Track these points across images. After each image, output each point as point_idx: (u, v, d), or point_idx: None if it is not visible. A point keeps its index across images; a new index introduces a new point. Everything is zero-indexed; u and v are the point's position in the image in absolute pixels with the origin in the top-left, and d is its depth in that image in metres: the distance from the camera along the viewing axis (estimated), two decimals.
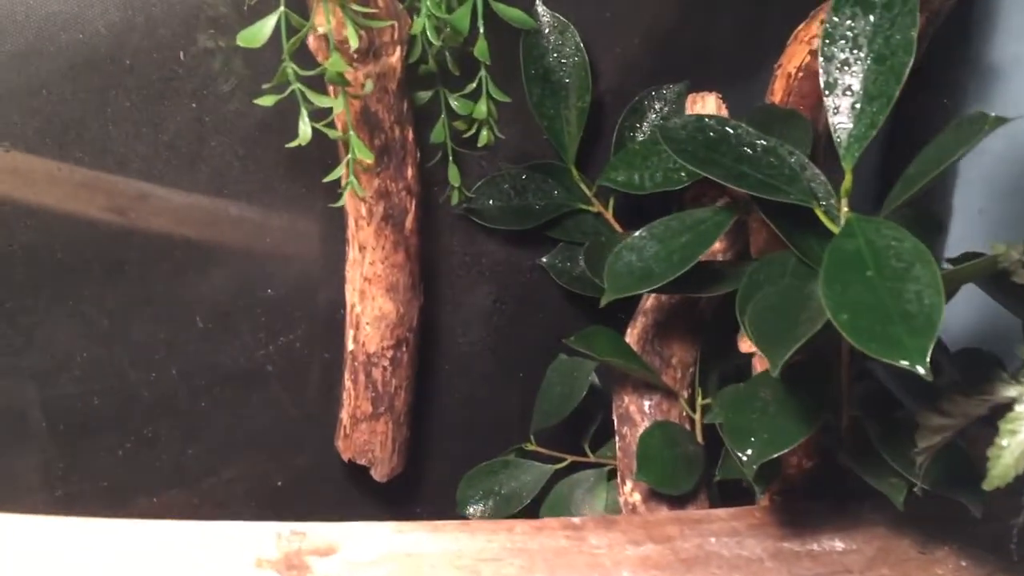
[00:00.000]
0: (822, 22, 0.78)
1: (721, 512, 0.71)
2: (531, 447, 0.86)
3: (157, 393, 0.76)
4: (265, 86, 0.61)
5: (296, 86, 0.60)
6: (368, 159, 0.61)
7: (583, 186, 0.83)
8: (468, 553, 0.56)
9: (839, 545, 0.71)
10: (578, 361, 0.83)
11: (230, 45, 0.69)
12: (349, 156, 0.61)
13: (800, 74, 0.77)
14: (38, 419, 0.72)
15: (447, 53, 0.71)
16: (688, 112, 0.80)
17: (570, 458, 0.86)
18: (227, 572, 0.50)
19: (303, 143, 0.61)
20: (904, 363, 0.46)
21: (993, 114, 0.52)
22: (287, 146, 0.62)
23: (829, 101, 0.58)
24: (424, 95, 0.73)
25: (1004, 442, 0.49)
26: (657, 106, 0.83)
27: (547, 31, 0.79)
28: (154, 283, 0.73)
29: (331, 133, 0.62)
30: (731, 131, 0.63)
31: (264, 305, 0.77)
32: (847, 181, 0.58)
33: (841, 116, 0.57)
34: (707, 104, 0.79)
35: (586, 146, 0.83)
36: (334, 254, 0.77)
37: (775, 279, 0.64)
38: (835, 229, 0.60)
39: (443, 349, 0.86)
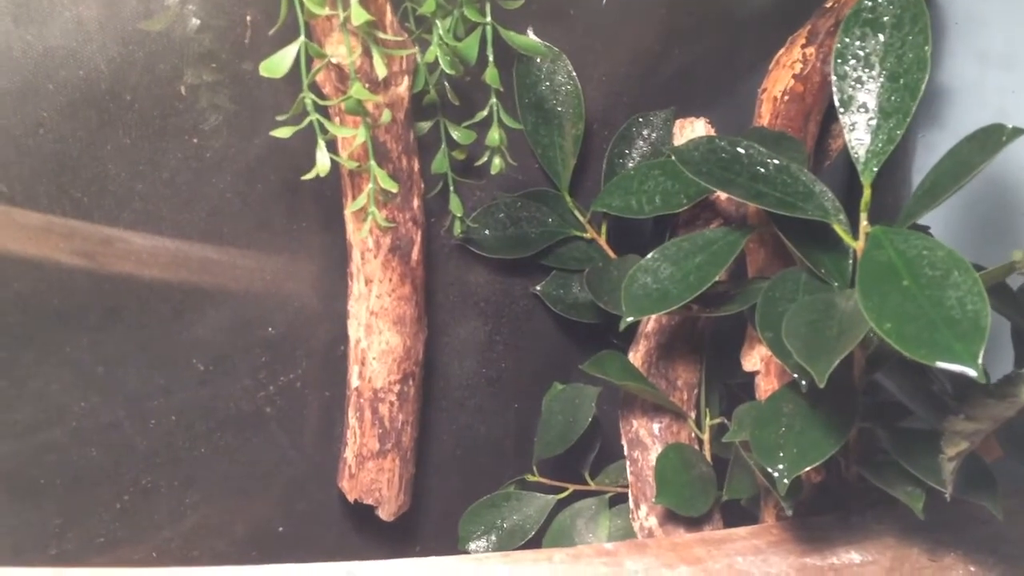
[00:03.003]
0: (802, 47, 0.81)
1: (741, 531, 0.72)
2: (533, 478, 0.85)
3: (155, 441, 0.72)
4: (280, 117, 0.60)
5: (314, 117, 0.59)
6: (393, 188, 0.60)
7: (577, 213, 0.84)
8: None
9: (856, 558, 0.72)
10: (579, 388, 0.83)
11: (227, 80, 0.67)
12: (371, 186, 0.60)
13: (786, 97, 0.80)
14: (32, 473, 0.68)
15: (447, 83, 0.71)
16: (677, 137, 0.81)
17: (571, 487, 0.85)
18: None
19: (321, 174, 0.60)
20: (956, 367, 0.47)
21: (1011, 125, 0.54)
22: (304, 178, 0.61)
23: (845, 118, 0.59)
24: (424, 125, 0.73)
25: None
26: (645, 132, 0.85)
27: (539, 60, 0.79)
28: (152, 327, 0.70)
29: (348, 164, 0.61)
30: (742, 151, 0.64)
31: (264, 345, 0.75)
32: (866, 195, 0.60)
33: (858, 132, 0.59)
34: (696, 128, 0.80)
35: (576, 173, 0.83)
36: (334, 290, 0.76)
37: (791, 295, 0.65)
38: (852, 243, 0.62)
39: (440, 381, 0.84)
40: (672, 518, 0.75)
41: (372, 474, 0.76)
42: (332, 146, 0.64)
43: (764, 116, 0.80)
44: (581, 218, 0.84)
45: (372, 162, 0.59)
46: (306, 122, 0.59)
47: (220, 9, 0.66)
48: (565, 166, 0.82)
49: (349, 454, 0.76)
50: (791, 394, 0.65)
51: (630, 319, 0.65)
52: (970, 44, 0.96)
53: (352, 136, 0.59)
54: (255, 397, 0.76)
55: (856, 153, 0.59)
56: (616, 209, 0.78)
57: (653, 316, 0.80)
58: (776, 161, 0.63)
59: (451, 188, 0.75)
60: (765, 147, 0.71)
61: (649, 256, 0.68)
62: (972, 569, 0.73)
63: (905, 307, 0.50)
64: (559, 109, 0.80)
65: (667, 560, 0.63)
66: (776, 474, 0.60)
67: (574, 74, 0.80)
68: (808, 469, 0.61)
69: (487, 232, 0.81)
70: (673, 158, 0.65)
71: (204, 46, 0.66)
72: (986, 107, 0.95)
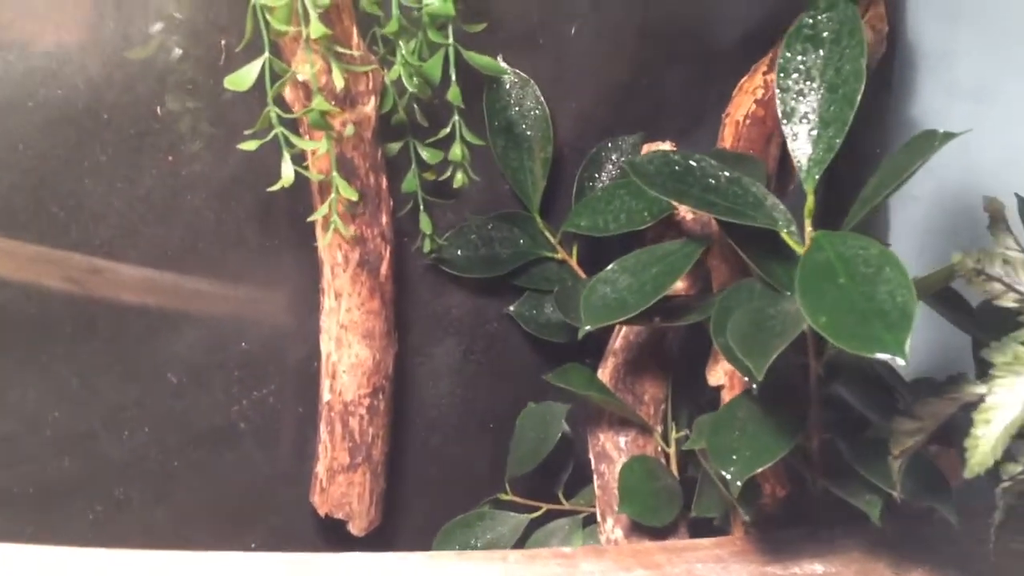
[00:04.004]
0: (764, 74, 0.84)
1: (704, 541, 0.72)
2: (507, 497, 0.86)
3: (128, 454, 0.74)
4: (247, 132, 0.62)
5: (279, 130, 0.61)
6: (352, 197, 0.62)
7: (547, 234, 0.86)
8: None
9: (819, 568, 0.73)
10: (549, 406, 0.85)
11: (204, 101, 0.70)
12: (333, 195, 0.63)
13: (747, 121, 0.82)
14: (5, 482, 0.70)
15: (416, 105, 0.74)
16: None
17: (545, 506, 0.86)
18: None
19: (286, 185, 0.62)
20: (885, 355, 0.49)
21: (942, 131, 0.56)
22: (270, 189, 0.63)
23: (787, 129, 0.62)
24: (395, 146, 0.75)
25: (980, 432, 0.52)
26: (614, 157, 0.87)
27: (508, 86, 0.82)
28: (127, 341, 0.73)
29: (313, 176, 0.64)
30: (695, 164, 0.67)
31: (238, 360, 0.77)
32: (809, 202, 0.62)
33: (800, 142, 0.61)
34: None
35: (548, 196, 0.86)
36: (307, 306, 0.77)
37: (744, 304, 0.66)
38: (800, 250, 0.64)
39: (415, 400, 0.86)
40: (638, 530, 0.76)
41: (342, 488, 0.77)
42: (301, 162, 0.67)
43: (727, 139, 0.83)
44: (552, 239, 0.86)
45: (335, 173, 0.62)
46: (271, 135, 0.61)
47: (197, 37, 0.69)
48: (535, 188, 0.84)
49: (320, 468, 0.78)
50: (746, 401, 0.67)
51: (588, 328, 0.67)
52: (939, 78, 0.98)
53: (317, 149, 0.62)
54: (229, 411, 0.77)
55: (799, 162, 0.62)
56: (584, 228, 0.80)
57: (621, 333, 0.82)
58: (727, 174, 0.66)
59: (421, 207, 0.78)
60: (726, 165, 0.74)
61: (609, 268, 0.70)
62: None
63: (840, 302, 0.52)
64: (528, 133, 0.83)
65: (624, 564, 0.64)
66: (729, 476, 0.61)
67: (542, 99, 0.83)
68: (761, 471, 0.62)
69: (459, 252, 0.83)
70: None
71: (182, 71, 0.69)
72: (959, 140, 0.97)
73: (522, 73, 0.83)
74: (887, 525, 0.77)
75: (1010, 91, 0.88)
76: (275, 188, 0.63)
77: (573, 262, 0.86)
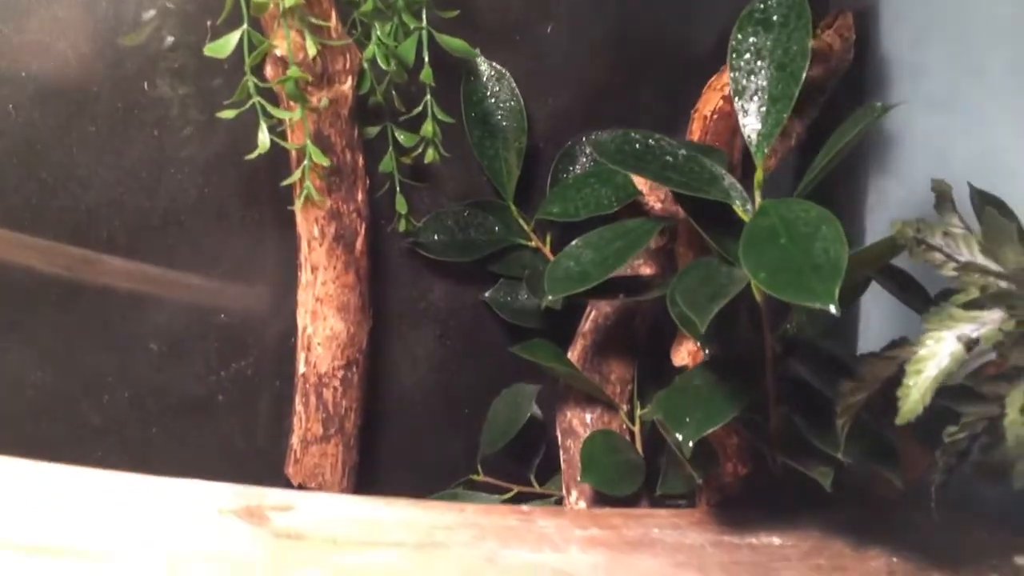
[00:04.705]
0: None
1: (663, 511, 0.75)
2: (479, 478, 0.88)
3: (108, 419, 0.77)
4: (227, 102, 0.66)
5: (256, 99, 0.65)
6: (324, 163, 0.66)
7: (522, 222, 0.89)
8: (423, 522, 0.58)
9: (776, 540, 0.75)
10: (520, 387, 0.87)
11: (189, 79, 0.74)
12: (306, 162, 0.66)
13: (715, 116, 0.85)
14: None
15: (394, 92, 0.77)
16: None
17: (516, 488, 0.88)
18: (191, 518, 0.51)
19: (263, 151, 0.66)
20: (816, 304, 0.51)
21: (880, 104, 0.60)
22: (247, 157, 0.67)
23: (739, 105, 0.65)
24: (373, 129, 0.79)
25: (911, 381, 0.54)
26: (587, 151, 0.90)
27: (485, 78, 0.86)
28: (109, 308, 0.76)
29: (289, 145, 0.67)
30: (653, 143, 0.70)
31: (218, 332, 0.80)
32: (759, 175, 0.65)
33: (750, 118, 0.64)
34: None
35: (523, 188, 0.89)
36: (287, 283, 0.80)
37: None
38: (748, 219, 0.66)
39: (390, 381, 0.88)
40: (601, 502, 0.78)
41: (315, 458, 0.79)
42: (281, 137, 0.70)
43: (695, 133, 0.86)
44: (526, 227, 0.89)
45: (308, 140, 0.65)
46: (249, 104, 0.65)
47: (187, 23, 0.73)
48: (510, 177, 0.87)
49: (295, 439, 0.80)
50: (702, 371, 0.69)
51: (551, 298, 0.70)
52: (916, 92, 1.01)
53: (293, 119, 0.65)
54: (207, 382, 0.80)
55: (749, 137, 0.65)
56: (556, 215, 0.83)
57: (590, 316, 0.85)
58: (684, 152, 0.69)
59: (397, 188, 0.81)
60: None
61: (573, 243, 0.73)
62: (895, 560, 0.75)
63: (780, 259, 0.55)
64: (503, 123, 0.87)
65: (581, 523, 0.66)
66: (681, 437, 0.64)
67: (517, 92, 0.87)
68: (712, 431, 0.64)
69: (436, 236, 0.87)
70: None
71: (174, 54, 0.73)
72: (930, 150, 1.00)
73: (498, 66, 0.86)
74: (848, 511, 0.79)
75: (978, 102, 0.91)
76: (252, 156, 0.66)
77: (547, 250, 0.89)
